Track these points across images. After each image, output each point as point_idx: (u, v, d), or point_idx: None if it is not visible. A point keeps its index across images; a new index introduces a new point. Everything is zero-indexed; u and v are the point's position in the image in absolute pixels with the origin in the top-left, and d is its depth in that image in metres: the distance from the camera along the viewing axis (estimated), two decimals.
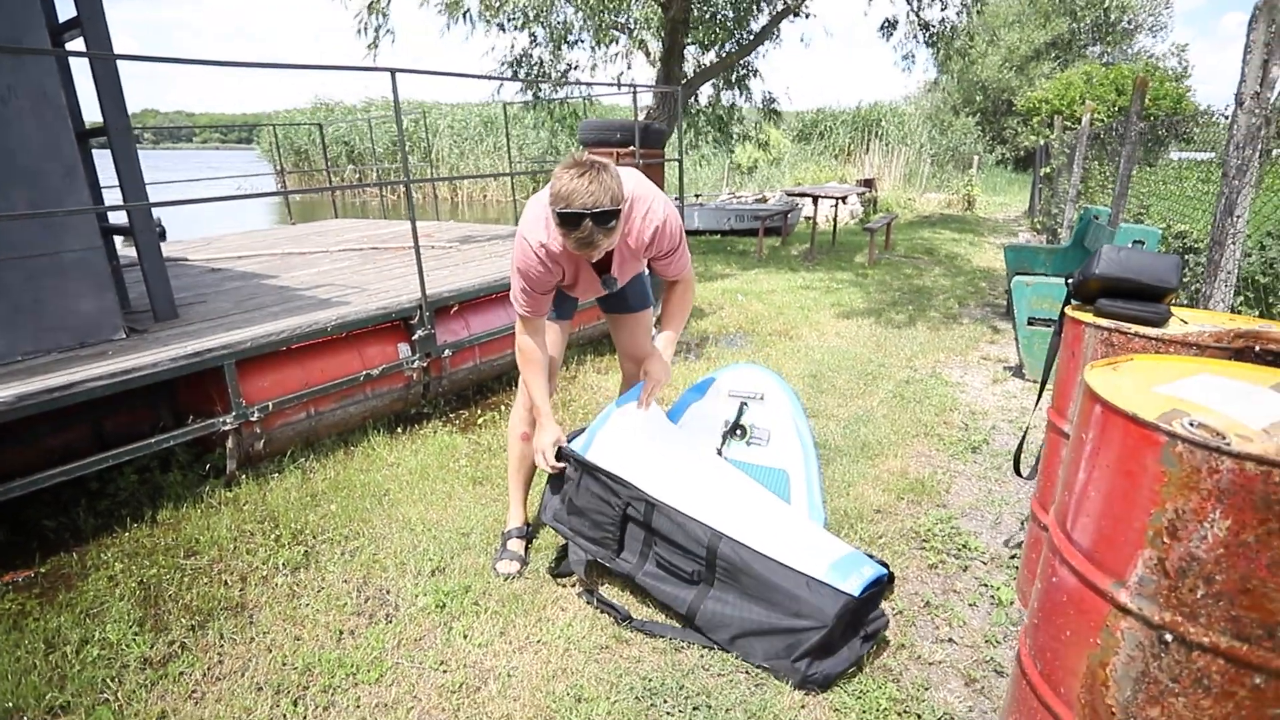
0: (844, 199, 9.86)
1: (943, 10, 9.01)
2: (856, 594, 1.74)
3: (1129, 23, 24.32)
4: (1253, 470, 0.99)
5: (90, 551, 2.40)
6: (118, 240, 3.69)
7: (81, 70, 3.59)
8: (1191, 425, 1.09)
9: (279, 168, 8.82)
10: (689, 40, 8.44)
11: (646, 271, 2.33)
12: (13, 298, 2.66)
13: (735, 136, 11.33)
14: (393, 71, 3.22)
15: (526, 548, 2.31)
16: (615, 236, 1.78)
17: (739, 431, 2.39)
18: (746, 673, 1.76)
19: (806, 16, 9.28)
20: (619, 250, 1.99)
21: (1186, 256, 4.07)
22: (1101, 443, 1.21)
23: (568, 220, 1.69)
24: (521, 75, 9.01)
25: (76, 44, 3.18)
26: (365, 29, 7.21)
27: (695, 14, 8.33)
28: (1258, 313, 4.00)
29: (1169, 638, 1.10)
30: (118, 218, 3.49)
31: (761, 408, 2.40)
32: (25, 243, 2.67)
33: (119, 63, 3.05)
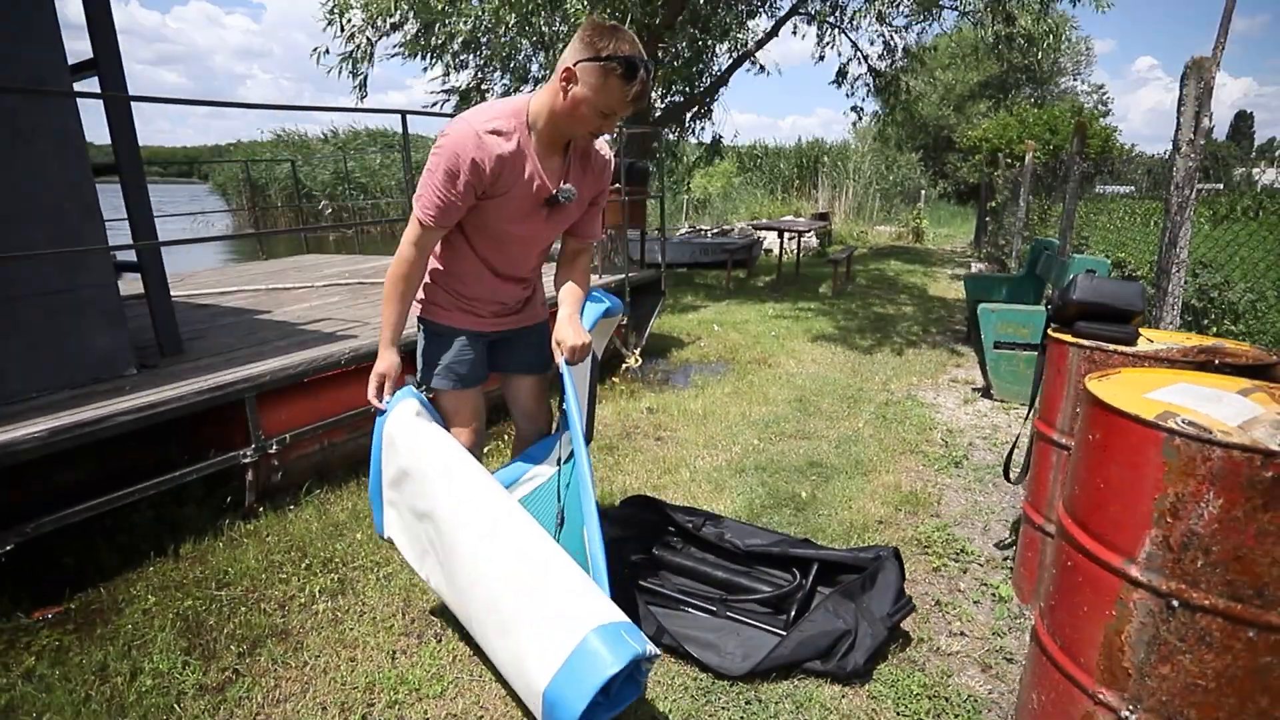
0: (804, 233, 10.29)
1: (890, 64, 9.60)
2: None
3: (1052, 65, 26.14)
4: (1239, 457, 1.20)
5: (118, 587, 2.41)
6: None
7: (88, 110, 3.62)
8: (1184, 423, 1.30)
9: (250, 203, 8.79)
10: (655, 83, 8.80)
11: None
12: (31, 335, 2.67)
13: (688, 171, 11.75)
14: (403, 113, 3.37)
15: None
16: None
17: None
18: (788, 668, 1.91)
19: (762, 69, 9.77)
20: (577, 158, 1.83)
21: (1134, 282, 4.47)
22: (1107, 441, 1.42)
23: (631, 68, 1.57)
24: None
25: (86, 85, 3.24)
26: (361, 85, 7.70)
27: (661, 55, 8.70)
28: (1196, 332, 4.42)
29: (1175, 604, 1.30)
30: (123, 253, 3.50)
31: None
32: (44, 280, 2.70)
33: None
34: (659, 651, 1.41)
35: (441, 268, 1.92)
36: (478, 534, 1.63)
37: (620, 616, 1.41)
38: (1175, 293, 3.03)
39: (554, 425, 2.27)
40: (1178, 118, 2.90)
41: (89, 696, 1.86)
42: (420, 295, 1.96)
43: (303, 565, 2.50)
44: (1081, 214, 7.04)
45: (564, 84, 1.63)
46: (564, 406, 1.88)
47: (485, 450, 2.46)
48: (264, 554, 2.58)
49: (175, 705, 1.83)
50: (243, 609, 2.26)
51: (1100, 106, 24.00)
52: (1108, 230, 7.01)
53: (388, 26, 7.82)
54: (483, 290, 1.94)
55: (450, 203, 1.70)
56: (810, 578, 2.18)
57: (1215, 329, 3.99)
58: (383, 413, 1.89)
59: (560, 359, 1.82)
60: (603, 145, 1.90)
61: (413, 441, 1.82)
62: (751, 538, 2.37)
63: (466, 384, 2.01)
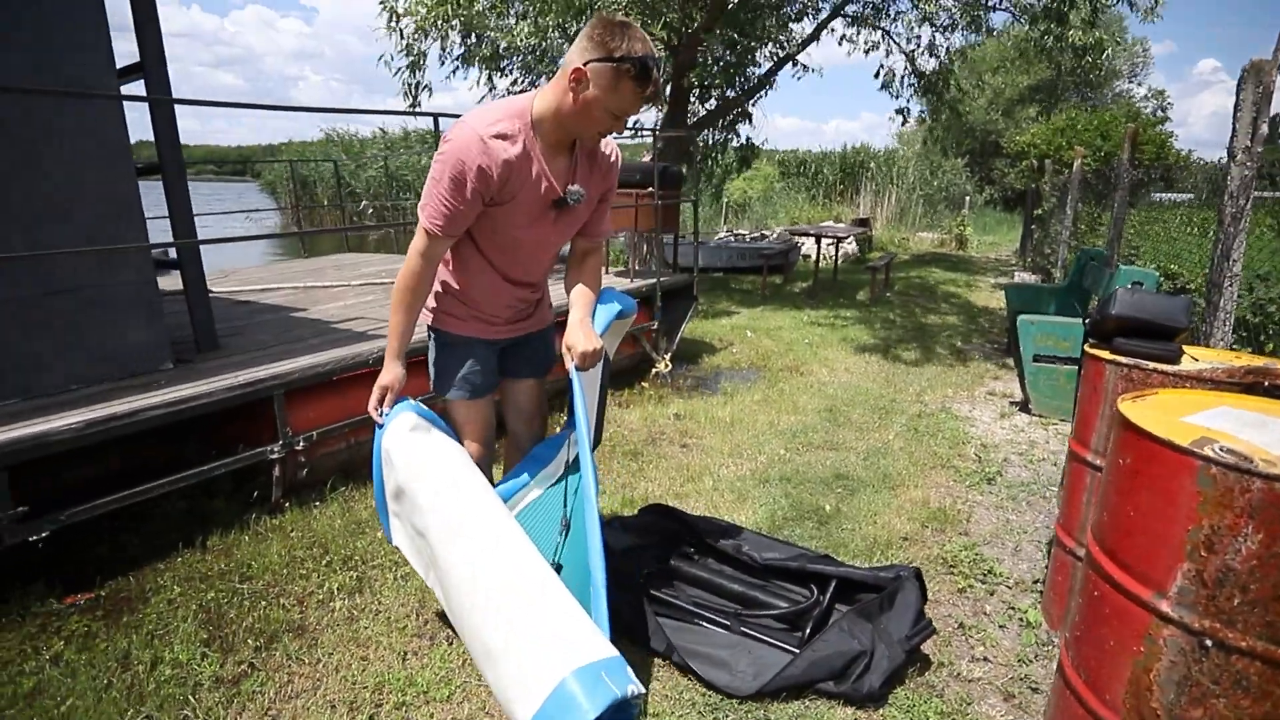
0: (843, 239, 10.12)
1: (936, 64, 9.39)
2: None
3: (1102, 74, 25.28)
4: None
5: (146, 576, 2.47)
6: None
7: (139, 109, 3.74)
8: (1222, 450, 1.22)
9: (295, 201, 9.02)
10: (693, 86, 8.76)
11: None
12: (70, 328, 2.76)
13: (726, 174, 11.73)
14: (435, 116, 3.41)
15: None
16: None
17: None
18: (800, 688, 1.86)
19: (806, 69, 9.65)
20: (584, 158, 1.79)
21: (1180, 297, 4.28)
22: (1139, 467, 1.34)
23: (645, 70, 1.55)
24: None
25: (131, 87, 3.35)
26: (409, 90, 8.11)
27: (699, 61, 8.66)
28: (1250, 350, 4.20)
29: (1209, 643, 1.22)
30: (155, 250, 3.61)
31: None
32: (85, 276, 2.79)
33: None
34: (643, 690, 1.35)
35: (453, 277, 1.89)
36: (468, 557, 1.59)
37: (606, 653, 1.35)
38: (1227, 308, 2.87)
39: (548, 430, 2.23)
40: (1233, 123, 2.76)
41: (110, 684, 1.90)
42: (432, 303, 1.93)
43: (323, 562, 2.53)
44: (1135, 223, 6.78)
45: (574, 84, 1.58)
46: (570, 412, 1.83)
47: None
48: (287, 549, 2.62)
49: (191, 696, 1.87)
50: (263, 603, 2.29)
51: (1159, 112, 23.14)
52: (1161, 240, 6.73)
53: (446, 39, 8.06)
54: (496, 297, 1.91)
55: (458, 211, 1.66)
56: (828, 595, 2.12)
57: (1272, 346, 3.78)
58: (381, 426, 1.87)
59: (570, 365, 1.77)
60: (609, 143, 1.85)
61: (409, 458, 1.81)
62: (769, 551, 2.32)
63: (479, 394, 1.99)
